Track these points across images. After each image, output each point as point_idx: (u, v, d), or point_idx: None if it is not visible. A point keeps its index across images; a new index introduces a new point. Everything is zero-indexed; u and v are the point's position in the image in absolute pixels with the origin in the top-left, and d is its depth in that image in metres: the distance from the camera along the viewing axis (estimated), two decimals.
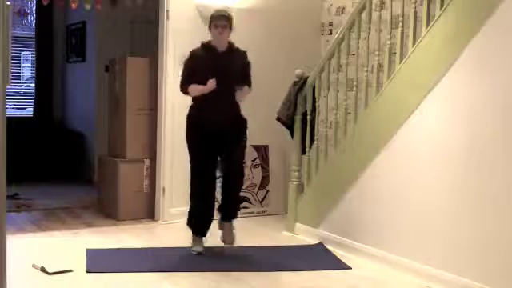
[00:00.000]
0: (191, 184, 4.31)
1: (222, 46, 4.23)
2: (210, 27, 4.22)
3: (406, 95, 3.99)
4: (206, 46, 4.26)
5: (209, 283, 3.74)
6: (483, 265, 3.43)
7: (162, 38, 5.31)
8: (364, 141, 4.35)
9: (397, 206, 4.03)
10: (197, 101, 4.25)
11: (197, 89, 4.17)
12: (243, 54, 4.33)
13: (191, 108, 4.31)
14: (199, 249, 4.30)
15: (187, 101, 4.38)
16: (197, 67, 4.23)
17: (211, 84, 4.10)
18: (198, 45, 4.31)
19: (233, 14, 4.34)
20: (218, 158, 4.32)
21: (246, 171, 5.38)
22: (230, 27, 4.21)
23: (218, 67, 4.16)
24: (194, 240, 4.35)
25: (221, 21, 4.16)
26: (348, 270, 4.06)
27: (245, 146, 4.41)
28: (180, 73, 4.37)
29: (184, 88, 4.27)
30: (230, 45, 4.28)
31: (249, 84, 4.35)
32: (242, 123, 4.34)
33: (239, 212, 4.56)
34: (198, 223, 4.34)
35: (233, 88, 4.22)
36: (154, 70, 5.43)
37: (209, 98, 4.14)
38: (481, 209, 3.46)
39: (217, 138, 4.21)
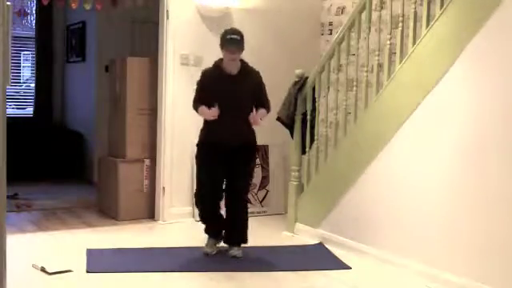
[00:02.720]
0: (195, 196, 4.34)
1: (232, 71, 4.18)
2: (221, 47, 4.14)
3: (406, 95, 3.99)
4: (218, 67, 4.20)
5: (209, 283, 3.74)
6: (483, 264, 3.43)
7: (162, 38, 5.31)
8: (364, 141, 4.35)
9: (397, 206, 4.03)
10: (207, 122, 4.24)
11: (203, 112, 4.18)
12: (256, 76, 4.26)
13: (202, 129, 4.28)
14: (207, 250, 4.30)
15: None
16: (207, 88, 4.21)
17: (213, 112, 4.08)
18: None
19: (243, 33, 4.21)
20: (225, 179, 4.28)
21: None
22: (242, 48, 4.13)
23: (228, 91, 4.13)
24: (207, 240, 4.37)
25: (233, 46, 4.07)
26: (348, 269, 4.06)
27: (251, 174, 4.37)
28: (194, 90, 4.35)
29: (195, 108, 4.27)
30: (243, 65, 4.22)
31: (266, 106, 4.29)
32: (251, 147, 4.27)
33: (247, 238, 4.34)
34: (207, 224, 4.35)
35: (244, 111, 4.17)
36: (153, 70, 5.43)
37: (218, 120, 4.12)
38: (480, 209, 3.46)
39: (225, 158, 4.17)
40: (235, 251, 4.27)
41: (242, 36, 4.13)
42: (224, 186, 4.29)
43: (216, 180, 4.23)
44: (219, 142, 4.14)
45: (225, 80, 4.17)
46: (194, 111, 4.29)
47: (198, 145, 4.28)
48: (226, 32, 4.16)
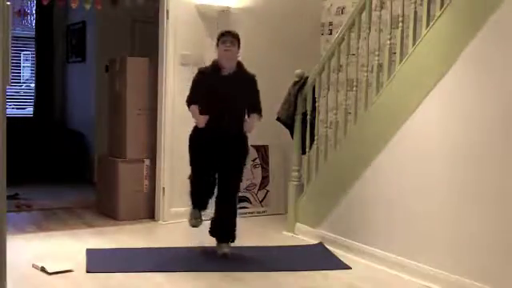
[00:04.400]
0: (190, 183, 4.39)
1: (230, 67, 4.17)
2: (217, 45, 4.18)
3: (406, 95, 3.99)
4: (215, 67, 4.21)
5: (209, 283, 3.74)
6: (483, 264, 3.43)
7: (162, 38, 5.31)
8: (364, 141, 4.35)
9: (397, 206, 4.03)
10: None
11: (193, 113, 4.22)
12: (251, 80, 4.25)
13: (194, 128, 4.28)
14: (195, 222, 4.38)
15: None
16: (202, 87, 4.22)
17: (202, 121, 4.12)
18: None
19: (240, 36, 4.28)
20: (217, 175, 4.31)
21: (246, 171, 5.37)
22: (238, 46, 4.17)
23: (223, 91, 4.13)
24: (191, 212, 4.43)
25: (228, 36, 4.13)
26: (348, 269, 4.06)
27: (242, 171, 4.34)
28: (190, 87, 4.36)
29: (188, 104, 4.29)
30: (239, 66, 4.23)
31: (258, 112, 4.30)
32: (242, 146, 4.29)
33: (235, 236, 4.35)
34: (196, 193, 4.39)
35: (237, 113, 4.19)
36: (153, 70, 5.43)
37: (212, 120, 4.13)
38: (481, 208, 3.46)
39: (215, 158, 4.19)
40: (225, 248, 4.27)
41: (237, 35, 4.20)
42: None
43: (208, 180, 4.29)
44: (207, 143, 4.17)
45: (220, 80, 4.17)
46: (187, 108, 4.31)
47: (189, 142, 4.30)
48: (221, 31, 4.26)
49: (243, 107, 4.24)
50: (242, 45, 4.33)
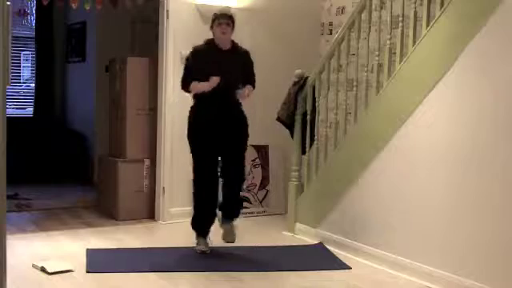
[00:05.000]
0: (194, 183, 4.32)
1: (225, 45, 4.21)
2: (212, 27, 4.20)
3: (406, 95, 3.99)
4: (209, 44, 4.24)
5: (209, 283, 3.74)
6: (483, 264, 3.43)
7: (162, 38, 5.31)
8: (364, 141, 4.35)
9: (397, 205, 4.03)
10: (198, 100, 4.24)
11: (198, 87, 4.14)
12: (246, 54, 4.32)
13: (192, 107, 4.28)
14: (203, 247, 4.31)
15: (187, 101, 4.38)
16: (198, 65, 4.20)
17: (214, 81, 4.05)
18: (199, 44, 4.31)
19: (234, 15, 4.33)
20: (220, 158, 4.31)
21: (246, 171, 5.37)
22: (233, 27, 4.20)
23: (220, 66, 4.13)
24: (197, 239, 4.36)
25: (224, 19, 4.14)
26: (348, 269, 4.06)
27: (246, 146, 4.40)
28: (182, 70, 4.35)
29: (185, 85, 4.25)
30: (234, 44, 4.27)
31: (252, 83, 4.33)
32: (243, 123, 4.32)
33: (241, 212, 4.57)
34: (200, 221, 4.34)
35: (235, 87, 4.19)
36: (153, 70, 5.43)
37: (210, 96, 4.13)
38: (481, 208, 3.46)
39: (218, 137, 4.20)
40: (231, 223, 4.41)
41: (232, 15, 4.22)
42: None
43: (211, 166, 4.26)
44: (209, 121, 4.17)
45: (217, 54, 4.19)
46: (185, 92, 4.29)
47: (189, 125, 4.28)
48: (216, 13, 4.26)
49: (240, 81, 4.23)
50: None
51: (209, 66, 4.15)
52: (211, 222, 4.37)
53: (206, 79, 4.08)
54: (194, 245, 4.35)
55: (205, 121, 4.20)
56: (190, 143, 4.28)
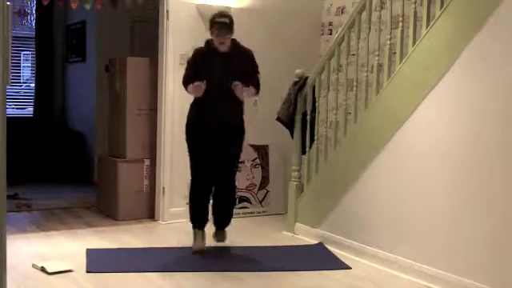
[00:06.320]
0: (191, 181, 4.36)
1: (223, 49, 4.19)
2: (210, 30, 4.18)
3: (406, 95, 3.99)
4: (210, 46, 4.23)
5: (209, 283, 3.74)
6: (483, 265, 3.43)
7: (162, 38, 5.31)
8: (364, 141, 4.35)
9: (397, 205, 4.03)
10: (197, 101, 4.25)
11: (192, 90, 4.18)
12: (248, 54, 4.28)
13: (191, 107, 4.31)
14: (198, 245, 4.32)
15: (187, 101, 4.38)
16: (199, 66, 4.21)
17: (196, 87, 4.08)
18: (198, 45, 4.31)
19: (232, 16, 4.29)
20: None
21: (246, 171, 5.39)
22: (232, 29, 4.16)
23: (219, 68, 4.14)
24: (194, 234, 4.37)
25: (222, 30, 4.09)
26: (348, 269, 4.06)
27: (238, 157, 4.41)
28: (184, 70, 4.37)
29: (185, 86, 4.29)
30: (235, 44, 4.24)
31: (254, 84, 4.28)
32: (236, 131, 4.31)
33: (232, 219, 4.56)
34: (196, 210, 4.37)
35: (230, 90, 4.16)
36: (153, 69, 5.43)
37: (204, 99, 4.14)
38: (481, 208, 3.46)
39: (214, 139, 4.21)
40: (222, 234, 4.46)
41: (231, 19, 4.17)
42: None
43: (208, 167, 4.26)
44: (206, 125, 4.19)
45: (215, 58, 4.18)
46: (185, 90, 4.31)
47: (186, 125, 4.31)
48: (215, 15, 4.19)
49: (242, 81, 4.17)
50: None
51: (205, 69, 4.16)
52: (206, 212, 4.39)
53: (205, 83, 4.11)
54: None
55: (202, 121, 4.22)
56: (187, 143, 4.34)
